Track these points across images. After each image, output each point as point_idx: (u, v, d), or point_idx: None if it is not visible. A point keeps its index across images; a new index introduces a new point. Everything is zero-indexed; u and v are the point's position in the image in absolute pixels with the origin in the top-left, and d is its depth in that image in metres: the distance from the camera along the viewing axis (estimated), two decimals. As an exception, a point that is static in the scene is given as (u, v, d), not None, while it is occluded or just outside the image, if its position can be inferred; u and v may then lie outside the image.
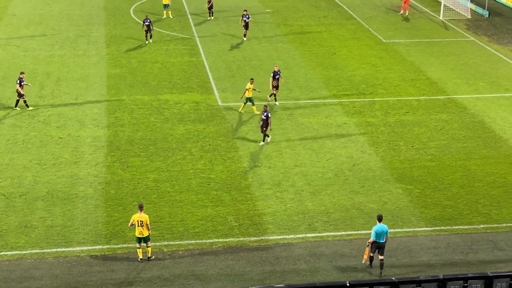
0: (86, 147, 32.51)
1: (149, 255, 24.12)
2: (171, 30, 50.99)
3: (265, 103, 36.39)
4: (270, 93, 37.82)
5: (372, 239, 23.27)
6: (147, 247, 24.09)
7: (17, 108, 36.32)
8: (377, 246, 23.33)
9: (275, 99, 37.64)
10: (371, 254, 23.47)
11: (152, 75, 42.20)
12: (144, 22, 47.32)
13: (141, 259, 24.00)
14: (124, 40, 48.72)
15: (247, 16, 48.29)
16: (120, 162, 31.14)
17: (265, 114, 32.45)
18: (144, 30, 47.67)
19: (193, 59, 45.01)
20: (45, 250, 24.66)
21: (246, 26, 48.33)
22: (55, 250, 24.69)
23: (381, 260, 23.38)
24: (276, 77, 37.10)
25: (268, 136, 33.08)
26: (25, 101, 36.37)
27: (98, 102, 37.85)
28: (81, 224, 26.22)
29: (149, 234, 24.07)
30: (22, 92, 36.00)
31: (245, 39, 48.86)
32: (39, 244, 25.01)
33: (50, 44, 47.58)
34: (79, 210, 27.20)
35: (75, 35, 49.85)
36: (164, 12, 53.98)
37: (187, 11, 56.48)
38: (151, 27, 47.34)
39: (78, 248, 24.78)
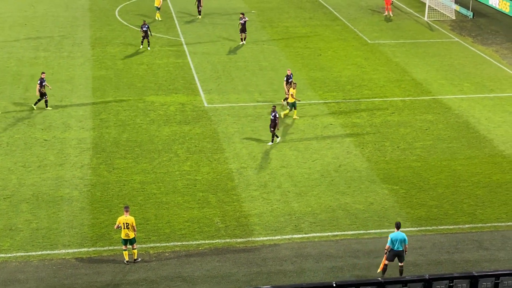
0: (71, 149, 32.37)
1: (135, 257, 24.06)
2: (157, 32, 50.87)
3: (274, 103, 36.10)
4: (284, 97, 37.41)
5: (388, 245, 23.01)
6: (133, 249, 24.02)
7: (48, 108, 36.72)
8: (394, 254, 23.04)
9: (287, 103, 37.17)
10: (386, 262, 23.17)
11: (137, 76, 42.09)
12: (141, 28, 46.36)
13: (127, 261, 23.92)
14: (109, 42, 48.56)
15: (244, 20, 48.01)
16: (105, 164, 31.03)
17: (273, 114, 32.46)
18: (141, 36, 46.69)
19: (178, 61, 44.94)
20: (30, 253, 24.51)
21: (243, 29, 48.03)
22: (40, 253, 24.56)
23: (400, 267, 23.18)
24: (289, 80, 36.72)
25: (278, 137, 33.17)
26: (46, 101, 36.64)
27: (83, 104, 37.70)
28: (66, 226, 26.09)
29: (135, 236, 24.01)
30: (43, 91, 36.29)
31: (244, 42, 48.37)
32: (24, 247, 24.86)
33: (34, 46, 47.34)
34: (65, 212, 27.07)
35: (60, 36, 49.62)
36: (156, 14, 53.16)
37: (173, 13, 56.38)
38: (149, 33, 46.40)
39: (63, 251, 24.65)
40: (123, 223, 23.73)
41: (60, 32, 50.58)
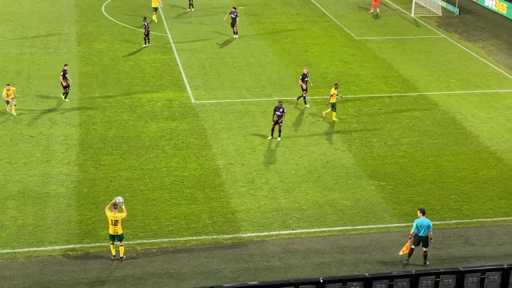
0: (57, 146, 32.21)
1: (122, 255, 23.98)
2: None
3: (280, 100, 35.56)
4: (298, 96, 37.12)
5: (413, 231, 23.61)
6: (120, 245, 23.95)
7: (66, 100, 37.21)
8: (419, 240, 23.69)
9: (305, 102, 36.99)
10: (412, 247, 23.78)
11: (124, 73, 41.94)
12: (144, 24, 45.95)
13: (114, 256, 23.86)
14: (95, 38, 48.34)
15: (235, 14, 48.13)
16: (92, 160, 30.92)
17: (280, 110, 32.33)
18: (144, 34, 46.21)
19: (165, 57, 44.82)
20: (16, 250, 24.39)
21: (234, 22, 48.12)
22: (26, 249, 24.44)
23: (425, 252, 23.83)
24: (305, 79, 36.46)
25: (279, 137, 32.93)
26: (67, 93, 37.16)
27: (69, 100, 37.51)
28: (53, 223, 25.98)
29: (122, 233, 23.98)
30: (64, 84, 36.73)
31: (236, 36, 48.49)
32: (10, 243, 24.73)
33: (20, 42, 47.04)
34: (51, 209, 26.96)
35: (45, 32, 49.33)
36: (153, 15, 51.54)
37: (160, 9, 56.18)
38: (148, 31, 45.89)
39: (50, 248, 24.55)
40: (112, 220, 23.65)
41: (46, 28, 50.29)
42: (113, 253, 23.92)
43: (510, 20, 55.38)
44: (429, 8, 57.08)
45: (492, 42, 49.56)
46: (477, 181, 29.74)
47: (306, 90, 36.87)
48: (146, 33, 45.97)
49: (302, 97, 37.06)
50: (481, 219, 26.93)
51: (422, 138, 33.74)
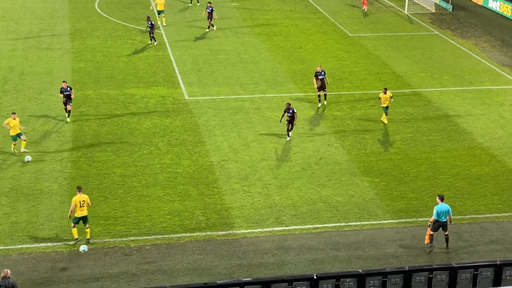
0: (50, 142, 32.13)
1: (88, 237, 24.42)
2: (137, 24, 50.60)
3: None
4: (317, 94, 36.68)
5: (433, 218, 24.03)
6: (86, 228, 24.36)
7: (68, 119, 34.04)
8: (440, 225, 24.15)
9: (319, 100, 36.66)
10: (432, 233, 24.19)
11: (117, 69, 41.85)
12: (147, 24, 45.44)
13: (76, 239, 24.35)
14: (89, 34, 48.21)
15: (210, 8, 48.46)
16: (85, 157, 30.85)
17: (290, 111, 32.00)
18: (148, 32, 45.74)
19: (159, 53, 44.73)
20: (9, 247, 24.33)
21: (210, 16, 48.26)
22: (19, 246, 24.39)
23: (446, 235, 24.36)
24: (320, 77, 35.97)
25: (289, 136, 32.67)
26: (68, 111, 34.10)
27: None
28: (46, 220, 25.92)
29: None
30: (64, 101, 33.88)
31: (214, 28, 48.90)
32: (3, 240, 24.66)
33: (13, 38, 46.87)
34: (44, 206, 26.90)
35: (38, 28, 49.18)
36: (158, 18, 50.37)
37: (153, 4, 56.06)
38: (153, 30, 45.31)
39: (43, 244, 24.50)
40: (79, 202, 24.12)
41: (39, 24, 50.12)
42: (76, 235, 24.41)
43: (503, 17, 55.50)
44: (422, 5, 57.16)
45: (485, 39, 49.66)
46: (470, 178, 29.82)
47: (321, 88, 36.17)
48: (151, 32, 45.30)
49: (319, 96, 36.56)
50: (474, 215, 27.00)
51: (416, 135, 33.79)
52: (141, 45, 46.06)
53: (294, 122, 32.58)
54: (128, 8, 54.61)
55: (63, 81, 34.41)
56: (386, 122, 34.52)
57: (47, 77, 40.07)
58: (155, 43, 45.82)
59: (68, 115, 34.24)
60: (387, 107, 34.38)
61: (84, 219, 24.32)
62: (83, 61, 42.91)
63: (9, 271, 20.19)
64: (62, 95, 33.97)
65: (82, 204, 24.19)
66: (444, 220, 24.15)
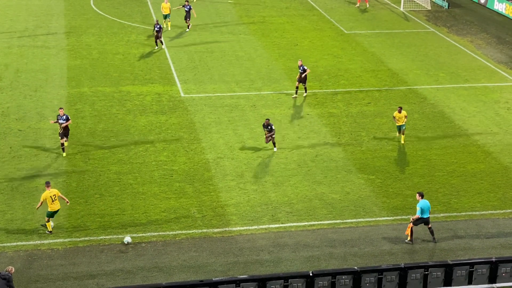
0: (46, 140, 32.07)
1: (51, 229, 24.92)
2: (132, 21, 50.52)
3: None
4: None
5: (418, 215, 24.23)
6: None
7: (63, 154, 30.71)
8: (423, 221, 24.39)
9: (296, 91, 36.93)
10: (412, 226, 24.41)
11: (113, 66, 41.78)
12: (154, 27, 44.11)
13: (50, 231, 24.79)
14: (84, 31, 48.12)
15: (188, 7, 47.67)
16: (81, 154, 30.81)
17: (268, 127, 30.76)
18: (154, 36, 44.61)
19: (154, 50, 44.65)
20: (5, 244, 24.30)
21: (188, 15, 47.67)
22: (15, 244, 24.35)
23: (430, 228, 24.63)
24: (300, 71, 36.46)
25: (274, 147, 31.39)
26: (63, 145, 30.64)
27: (58, 93, 37.35)
28: (41, 217, 25.87)
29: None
30: (60, 131, 30.51)
31: (188, 29, 48.11)
32: (-1, 238, 24.65)
33: (8, 35, 46.76)
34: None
35: (34, 25, 49.06)
36: (164, 22, 48.81)
37: (149, 2, 56.00)
38: (161, 33, 44.11)
39: (39, 242, 24.47)
40: (50, 197, 24.47)
41: (34, 21, 50.00)
42: (50, 228, 24.77)
43: (498, 14, 55.55)
44: (418, 2, 57.17)
45: (481, 36, 49.70)
46: (465, 175, 29.86)
47: (298, 80, 36.79)
48: (156, 35, 44.06)
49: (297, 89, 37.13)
50: (470, 213, 27.05)
51: (411, 132, 33.82)
52: (136, 42, 45.98)
53: (273, 135, 30.89)
54: (123, 5, 54.51)
55: (60, 108, 30.85)
56: (403, 142, 32.36)
57: (43, 74, 39.99)
58: (163, 46, 44.65)
59: (63, 150, 30.55)
60: (401, 126, 32.28)
61: (57, 212, 24.91)
62: (79, 58, 42.83)
63: (13, 269, 20.99)
64: (58, 123, 30.50)
65: (54, 198, 24.58)
66: (427, 216, 24.40)
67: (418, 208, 24.34)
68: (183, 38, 47.11)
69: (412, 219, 24.49)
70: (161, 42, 44.79)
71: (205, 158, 30.68)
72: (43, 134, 32.59)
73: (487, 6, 57.14)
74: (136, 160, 30.38)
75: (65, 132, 30.54)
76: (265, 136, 31.36)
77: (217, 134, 33.10)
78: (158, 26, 44.10)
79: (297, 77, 37.24)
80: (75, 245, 24.37)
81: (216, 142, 32.24)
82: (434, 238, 24.80)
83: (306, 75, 36.81)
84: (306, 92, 37.61)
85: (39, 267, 23.11)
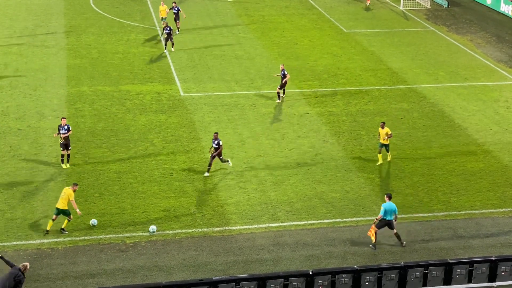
0: (46, 139, 32.07)
1: (48, 229, 24.95)
2: (132, 20, 50.52)
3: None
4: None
5: (380, 215, 24.08)
6: (53, 220, 24.96)
7: (63, 165, 29.61)
8: (385, 223, 24.19)
9: (278, 96, 36.54)
10: (376, 230, 24.23)
11: (113, 65, 41.78)
12: (164, 30, 43.51)
13: (47, 231, 24.81)
14: (84, 31, 48.11)
15: (176, 9, 46.98)
16: (81, 153, 30.81)
17: (215, 142, 28.89)
18: (163, 38, 44.02)
19: (154, 50, 44.66)
20: (4, 244, 24.29)
21: (177, 17, 47.08)
22: (15, 243, 24.35)
23: (396, 233, 24.41)
24: (281, 75, 36.09)
25: (228, 161, 29.68)
26: (63, 155, 29.47)
27: (58, 93, 37.35)
28: (41, 216, 25.89)
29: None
30: (61, 142, 29.23)
31: (177, 32, 47.14)
32: (-1, 237, 24.65)
33: (7, 34, 46.75)
34: (40, 202, 26.85)
35: (33, 25, 49.05)
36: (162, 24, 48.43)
37: (148, 2, 56.00)
38: (172, 36, 43.56)
39: (38, 241, 24.47)
40: (62, 193, 24.82)
41: (34, 21, 49.99)
42: (48, 228, 24.88)
43: (498, 13, 55.53)
44: (417, 1, 57.18)
45: (481, 35, 49.71)
46: (465, 174, 29.87)
47: (279, 86, 36.44)
48: (166, 37, 43.41)
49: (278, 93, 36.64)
50: (469, 211, 27.06)
51: (411, 131, 33.83)
52: (136, 41, 45.98)
53: (220, 151, 29.01)
54: (123, 4, 54.49)
55: (62, 118, 29.86)
56: (389, 159, 30.33)
57: (42, 74, 39.98)
58: (172, 49, 43.87)
59: (67, 160, 29.44)
60: (386, 146, 30.06)
61: (59, 212, 24.86)
62: (78, 58, 42.83)
63: (28, 265, 20.61)
64: (59, 134, 29.16)
65: (62, 195, 24.72)
66: (390, 218, 24.08)
67: (382, 208, 24.07)
68: (182, 38, 47.10)
69: (376, 219, 24.31)
70: (172, 43, 43.90)
71: (205, 157, 30.66)
72: (43, 133, 32.59)
73: (492, 7, 56.83)
74: (136, 159, 30.39)
75: (66, 143, 29.08)
76: (210, 153, 29.04)
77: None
78: (168, 28, 43.36)
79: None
80: (75, 244, 24.37)
81: (216, 141, 32.22)
82: (401, 243, 24.45)
83: (286, 81, 36.30)
84: (284, 94, 36.96)
85: (39, 266, 23.11)
